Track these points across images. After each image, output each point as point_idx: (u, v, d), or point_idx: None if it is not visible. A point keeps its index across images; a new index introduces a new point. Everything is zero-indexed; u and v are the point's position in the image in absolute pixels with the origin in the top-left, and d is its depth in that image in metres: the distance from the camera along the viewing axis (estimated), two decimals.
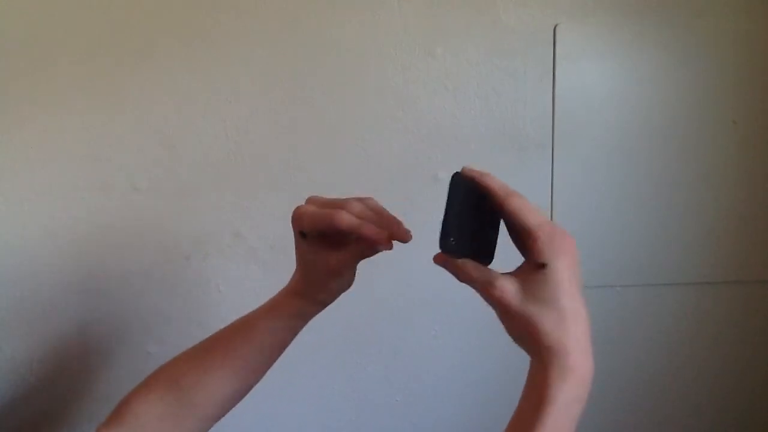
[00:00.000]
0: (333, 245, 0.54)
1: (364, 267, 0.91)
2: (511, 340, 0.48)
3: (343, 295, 0.95)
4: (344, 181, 0.90)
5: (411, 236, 0.51)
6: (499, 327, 0.93)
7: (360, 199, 0.52)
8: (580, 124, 0.91)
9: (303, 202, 0.58)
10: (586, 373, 0.43)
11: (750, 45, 0.92)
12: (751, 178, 0.95)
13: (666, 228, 0.95)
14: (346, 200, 0.52)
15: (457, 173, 0.46)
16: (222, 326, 0.61)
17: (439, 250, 0.45)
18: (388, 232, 0.50)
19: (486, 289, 0.45)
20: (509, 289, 0.44)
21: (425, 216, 0.92)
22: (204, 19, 0.85)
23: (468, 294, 0.93)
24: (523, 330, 0.44)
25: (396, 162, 0.90)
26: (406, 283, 0.94)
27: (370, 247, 0.53)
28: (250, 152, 0.88)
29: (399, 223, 0.51)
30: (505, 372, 0.95)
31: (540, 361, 0.43)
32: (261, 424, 0.96)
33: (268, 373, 0.92)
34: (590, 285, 0.93)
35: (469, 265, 0.45)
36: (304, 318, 0.59)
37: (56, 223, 0.86)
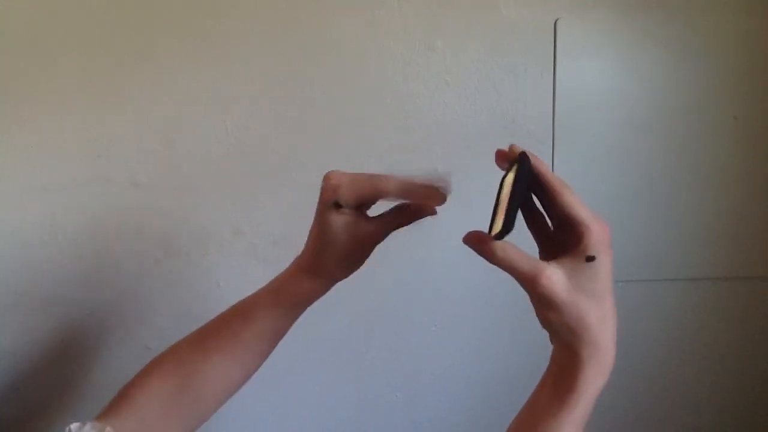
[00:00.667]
0: (364, 217, 0.53)
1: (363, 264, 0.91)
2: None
3: (342, 292, 0.95)
4: (346, 170, 0.90)
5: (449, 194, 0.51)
6: (499, 324, 0.94)
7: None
8: (580, 120, 0.91)
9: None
10: (612, 365, 0.44)
11: (750, 41, 0.92)
12: (752, 174, 0.95)
13: (667, 224, 0.95)
14: (375, 174, 0.52)
15: (525, 154, 0.44)
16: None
17: (473, 232, 0.44)
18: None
19: (532, 278, 0.42)
20: (558, 280, 0.42)
21: None
22: (204, 17, 0.85)
23: (467, 290, 0.94)
24: (566, 322, 0.43)
25: (396, 158, 0.90)
26: (405, 280, 0.94)
27: (412, 214, 0.53)
28: (251, 148, 0.88)
29: (433, 187, 0.51)
30: (505, 369, 0.95)
31: (575, 354, 0.43)
32: (261, 420, 0.96)
33: (269, 369, 0.93)
34: None
35: (512, 249, 0.43)
36: (307, 301, 0.57)
37: (56, 219, 0.86)
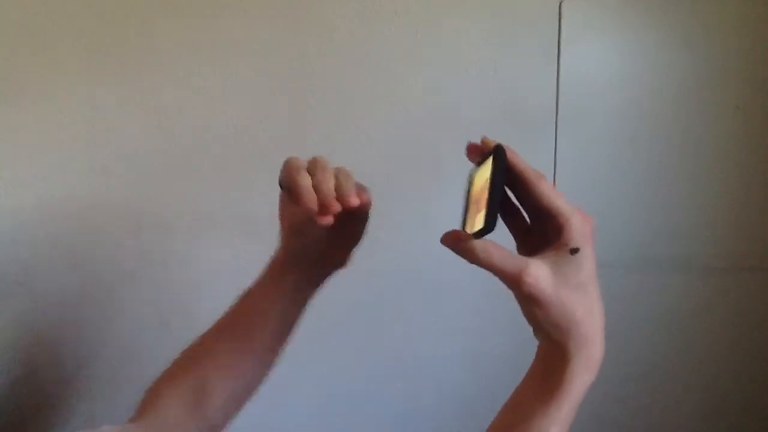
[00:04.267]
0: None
1: (362, 254, 0.90)
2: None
3: (343, 282, 0.94)
4: (345, 160, 0.88)
5: (337, 210, 0.46)
6: (496, 307, 0.93)
7: (339, 174, 0.49)
8: (584, 104, 0.90)
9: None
10: (600, 361, 0.43)
11: (754, 29, 0.91)
12: (754, 162, 0.94)
13: (669, 211, 0.94)
14: (324, 169, 0.49)
15: (501, 147, 0.42)
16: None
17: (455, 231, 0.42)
18: (322, 205, 0.46)
19: (516, 276, 0.40)
20: (543, 276, 0.40)
21: (427, 195, 0.92)
22: (202, 3, 0.84)
23: (469, 282, 0.92)
24: (553, 319, 0.41)
25: (398, 141, 0.89)
26: (407, 262, 0.93)
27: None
28: (250, 129, 0.87)
29: (333, 202, 0.46)
30: (504, 355, 0.95)
31: (563, 349, 0.42)
32: (259, 414, 0.95)
33: None
34: None
35: (493, 247, 0.41)
36: (308, 291, 0.57)
37: (56, 204, 0.85)
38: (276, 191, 0.53)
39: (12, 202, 0.84)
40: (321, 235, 0.52)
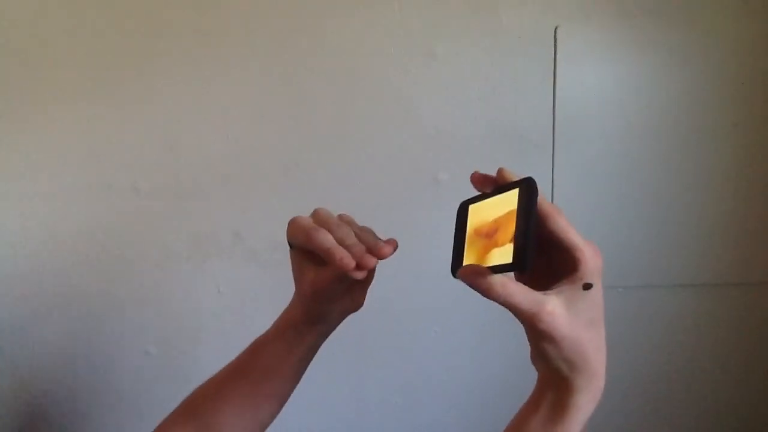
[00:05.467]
0: (316, 261, 0.50)
1: None
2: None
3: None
4: (345, 183, 0.90)
5: (375, 262, 0.47)
6: (498, 328, 0.94)
7: (350, 225, 0.50)
8: (580, 127, 0.91)
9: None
10: (602, 391, 0.43)
11: (750, 48, 0.92)
12: (752, 181, 0.95)
13: (667, 229, 0.95)
14: (339, 223, 0.49)
15: (533, 180, 0.40)
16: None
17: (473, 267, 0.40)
18: (356, 261, 0.46)
19: (533, 314, 0.39)
20: (560, 313, 0.40)
21: (426, 218, 0.93)
22: (205, 23, 0.86)
23: (467, 294, 0.93)
24: (565, 355, 0.41)
25: (397, 164, 0.90)
26: (405, 284, 0.94)
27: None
28: (251, 154, 0.88)
29: (369, 257, 0.47)
30: (505, 373, 0.95)
31: (571, 384, 0.42)
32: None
33: None
34: None
35: (511, 283, 0.40)
36: (324, 338, 0.57)
37: (57, 224, 0.86)
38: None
39: (13, 219, 0.86)
40: (344, 293, 0.53)
